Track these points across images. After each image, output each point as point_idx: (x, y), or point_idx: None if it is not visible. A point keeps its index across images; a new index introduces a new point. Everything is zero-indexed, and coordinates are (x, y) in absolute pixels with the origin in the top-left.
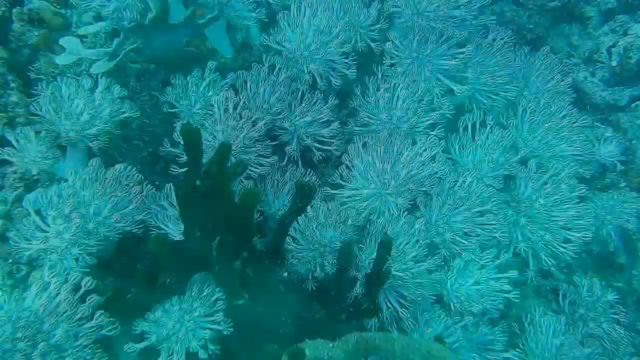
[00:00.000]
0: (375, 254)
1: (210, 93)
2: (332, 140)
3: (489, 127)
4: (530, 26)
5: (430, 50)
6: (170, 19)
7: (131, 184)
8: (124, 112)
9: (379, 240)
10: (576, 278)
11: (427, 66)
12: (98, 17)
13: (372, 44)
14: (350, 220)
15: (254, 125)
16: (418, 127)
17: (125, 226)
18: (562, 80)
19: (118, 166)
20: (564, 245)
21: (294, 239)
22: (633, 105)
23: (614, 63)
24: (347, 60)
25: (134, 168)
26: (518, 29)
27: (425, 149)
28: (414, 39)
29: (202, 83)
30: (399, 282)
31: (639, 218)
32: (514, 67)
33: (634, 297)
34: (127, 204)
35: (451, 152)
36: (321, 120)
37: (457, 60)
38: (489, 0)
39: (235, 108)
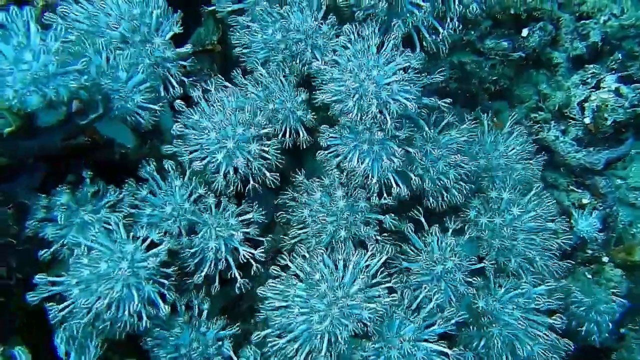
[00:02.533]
0: None
1: (88, 209)
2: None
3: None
4: (494, 78)
5: (373, 142)
6: (41, 123)
7: None
8: None
9: None
10: None
11: (370, 156)
12: None
13: (303, 134)
14: None
15: (149, 249)
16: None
17: None
18: (532, 162)
19: None
20: None
21: None
22: (613, 166)
23: (587, 120)
24: (269, 157)
25: None
26: (480, 82)
27: (371, 260)
28: (351, 131)
29: (80, 198)
30: None
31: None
32: (472, 155)
33: None
34: None
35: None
36: (240, 238)
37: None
38: (436, 80)
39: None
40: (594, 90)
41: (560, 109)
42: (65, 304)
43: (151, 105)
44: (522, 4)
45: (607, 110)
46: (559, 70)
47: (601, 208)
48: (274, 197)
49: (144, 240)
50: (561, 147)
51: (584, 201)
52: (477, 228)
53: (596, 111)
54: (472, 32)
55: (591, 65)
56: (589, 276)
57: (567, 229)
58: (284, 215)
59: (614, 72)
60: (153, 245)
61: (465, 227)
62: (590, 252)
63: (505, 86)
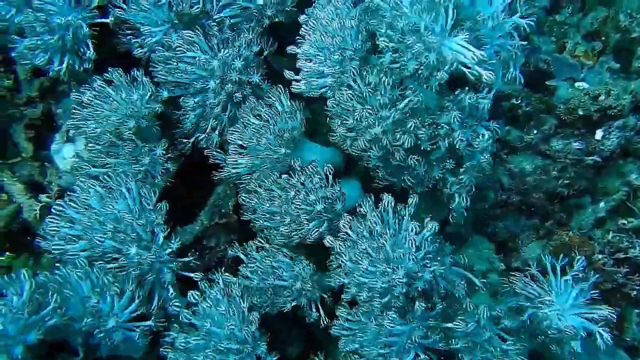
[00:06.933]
0: None
1: None
2: None
3: None
4: (566, 181)
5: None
6: None
7: None
8: None
9: None
10: None
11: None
12: None
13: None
14: None
15: None
16: None
17: None
18: None
19: None
20: None
21: None
22: None
23: None
24: None
25: None
26: (548, 195)
27: None
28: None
29: None
30: None
31: None
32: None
33: None
34: None
35: None
36: None
37: None
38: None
39: None
40: None
41: None
42: None
43: (143, 323)
44: (591, 103)
45: None
46: None
47: None
48: None
49: None
50: None
51: None
52: None
53: None
54: (534, 132)
55: None
56: None
57: None
58: None
59: None
60: None
61: None
62: None
63: (582, 187)
